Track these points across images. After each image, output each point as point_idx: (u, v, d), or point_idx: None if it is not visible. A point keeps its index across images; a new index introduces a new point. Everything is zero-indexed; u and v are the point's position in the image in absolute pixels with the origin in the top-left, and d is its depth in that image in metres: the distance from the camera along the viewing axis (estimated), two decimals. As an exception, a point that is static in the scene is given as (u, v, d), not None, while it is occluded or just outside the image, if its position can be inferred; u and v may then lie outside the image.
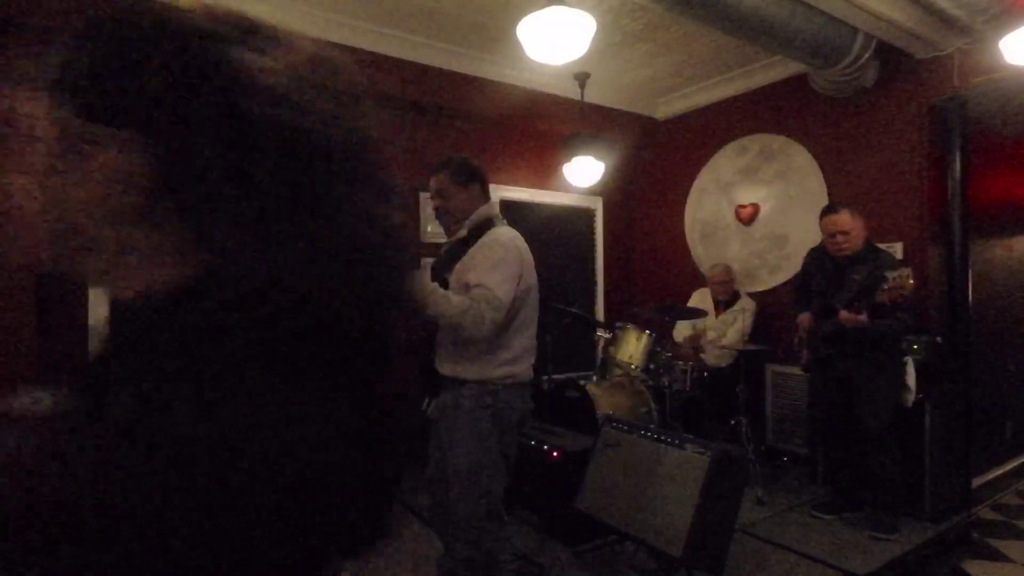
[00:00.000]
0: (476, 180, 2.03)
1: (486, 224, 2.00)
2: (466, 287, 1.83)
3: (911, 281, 2.60)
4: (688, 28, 3.64)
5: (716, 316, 4.11)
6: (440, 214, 2.05)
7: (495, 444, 1.91)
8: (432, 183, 2.04)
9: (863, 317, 2.77)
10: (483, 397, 1.90)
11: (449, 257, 2.00)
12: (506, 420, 1.93)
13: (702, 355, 4.00)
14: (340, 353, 0.43)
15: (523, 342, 2.00)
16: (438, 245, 4.10)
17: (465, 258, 1.92)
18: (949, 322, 3.55)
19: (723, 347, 3.92)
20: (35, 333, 2.88)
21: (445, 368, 1.98)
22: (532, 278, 1.99)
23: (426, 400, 2.05)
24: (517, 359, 1.98)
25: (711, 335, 4.07)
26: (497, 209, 2.10)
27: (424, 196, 4.17)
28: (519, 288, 1.91)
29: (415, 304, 1.75)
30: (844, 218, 2.98)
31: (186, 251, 0.41)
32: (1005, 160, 4.16)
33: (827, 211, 3.08)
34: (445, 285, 1.95)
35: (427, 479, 2.17)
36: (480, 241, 1.93)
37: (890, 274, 2.63)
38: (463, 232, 2.00)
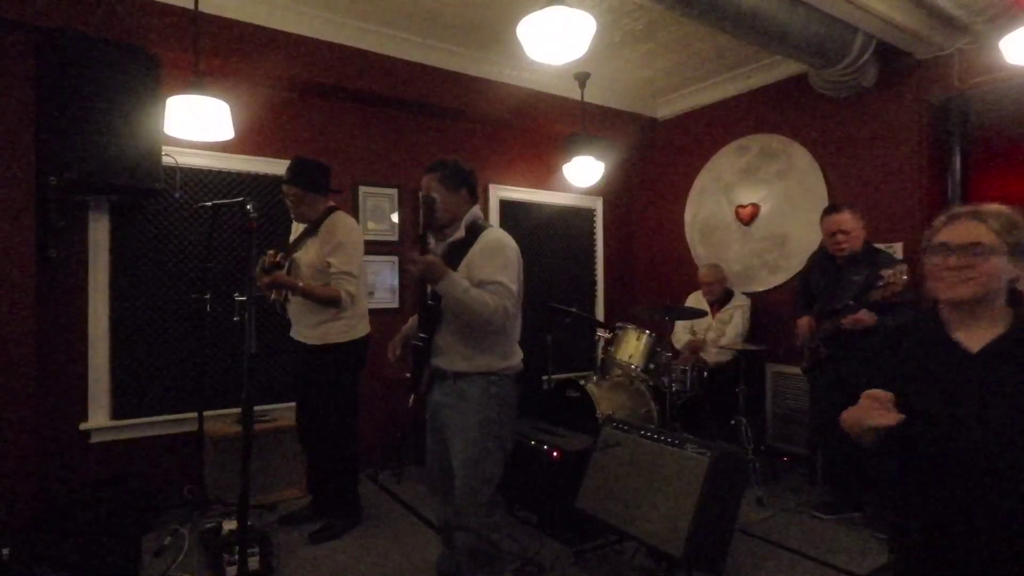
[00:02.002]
0: (466, 185, 2.11)
1: (478, 225, 2.10)
2: (479, 284, 1.94)
3: (904, 277, 2.59)
4: (688, 28, 3.64)
5: (712, 316, 4.12)
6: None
7: (498, 431, 2.02)
8: (423, 183, 2.09)
9: (862, 315, 2.76)
10: (489, 387, 2.02)
11: (451, 258, 2.04)
12: (508, 407, 2.06)
13: (701, 354, 4.00)
14: None
15: (517, 334, 2.14)
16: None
17: (470, 257, 2.01)
18: (949, 322, 3.55)
19: (722, 347, 3.92)
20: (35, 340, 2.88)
21: (450, 364, 2.06)
22: (522, 275, 2.12)
23: (411, 397, 2.13)
24: (515, 351, 2.13)
25: (710, 335, 4.07)
26: (480, 213, 2.20)
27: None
28: (518, 285, 2.05)
29: (456, 304, 1.90)
30: (845, 217, 2.98)
31: None
32: (1005, 160, 4.15)
33: (829, 211, 3.09)
34: None
35: (427, 472, 2.20)
36: (481, 242, 2.02)
37: (886, 272, 2.63)
38: (461, 233, 2.07)
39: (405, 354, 2.24)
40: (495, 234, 2.06)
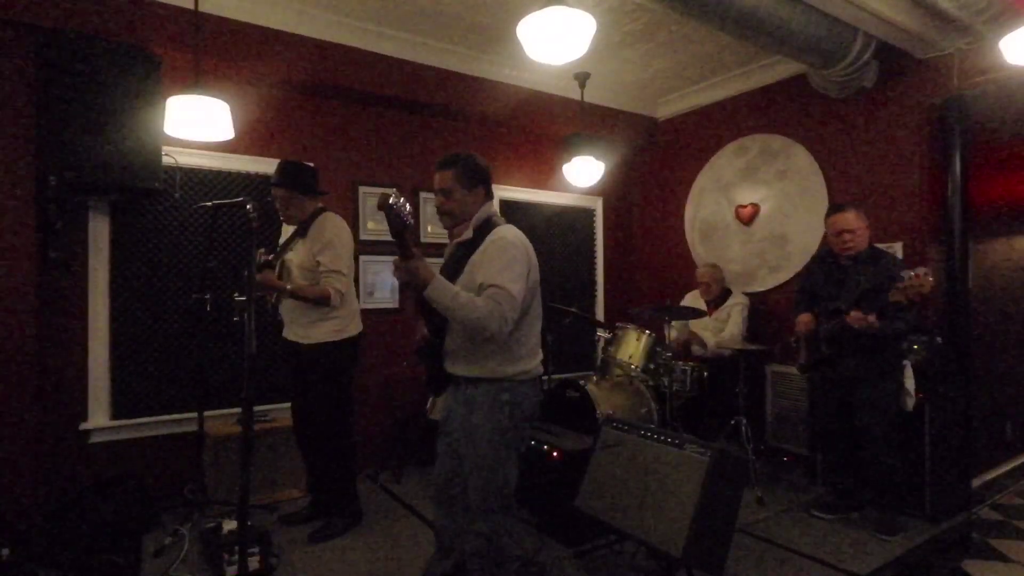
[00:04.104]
0: (482, 182, 2.03)
1: (488, 224, 2.01)
2: (479, 288, 1.85)
3: (931, 279, 2.55)
4: (688, 28, 3.64)
5: (710, 315, 4.12)
6: (442, 214, 2.05)
7: (511, 439, 1.95)
8: (437, 180, 2.02)
9: (872, 318, 2.75)
10: (500, 394, 1.93)
11: (457, 260, 2.00)
12: (521, 414, 1.97)
13: (693, 348, 3.99)
14: None
15: (534, 337, 2.03)
16: (440, 245, 4.12)
17: (474, 258, 1.93)
18: (949, 322, 3.55)
19: (722, 347, 3.92)
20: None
21: (459, 368, 2.00)
22: (537, 274, 2.01)
23: (430, 400, 2.07)
24: (530, 354, 2.01)
25: (706, 335, 4.07)
26: (496, 209, 2.10)
27: (425, 196, 4.18)
28: (528, 285, 1.94)
29: (445, 312, 1.79)
30: (850, 216, 2.97)
31: None
32: (1005, 160, 4.15)
33: (833, 210, 3.08)
34: None
35: (434, 478, 2.18)
36: (487, 241, 1.93)
37: (906, 273, 2.60)
38: (469, 234, 2.00)
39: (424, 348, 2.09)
40: (501, 232, 1.94)
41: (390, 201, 1.63)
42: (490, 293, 1.81)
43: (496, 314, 1.78)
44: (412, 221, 1.71)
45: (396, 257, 1.76)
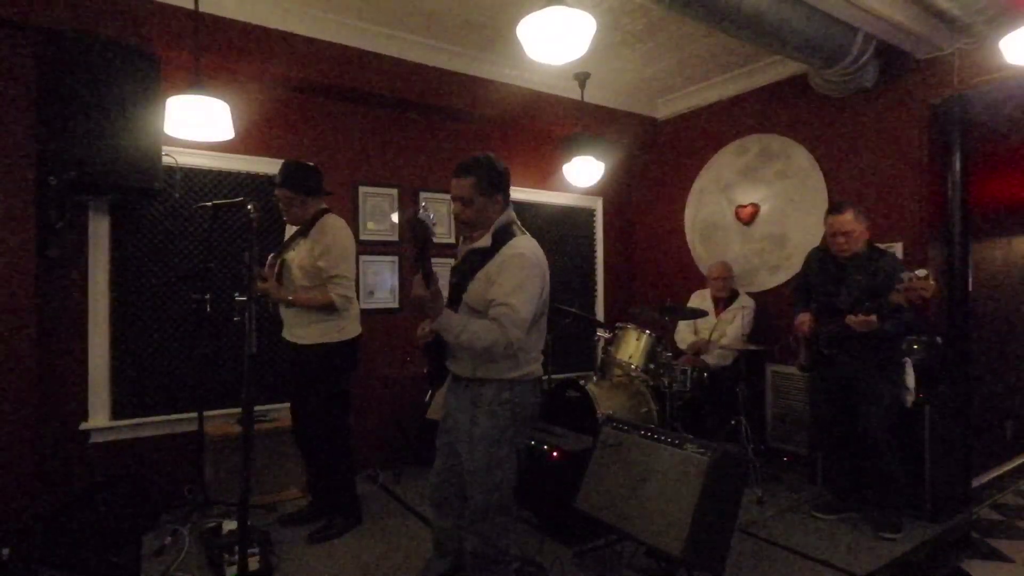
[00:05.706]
0: (501, 189, 1.99)
1: (506, 232, 1.99)
2: (490, 302, 1.87)
3: (932, 282, 2.51)
4: (688, 28, 3.64)
5: (716, 315, 4.11)
6: (460, 222, 2.03)
7: (511, 438, 1.97)
8: (454, 187, 1.98)
9: (873, 319, 2.74)
10: (501, 393, 1.96)
11: (472, 265, 1.98)
12: (522, 414, 2.00)
13: (703, 356, 4.00)
14: None
15: (539, 343, 2.06)
16: (439, 245, 4.12)
17: (489, 268, 1.91)
18: (949, 322, 3.55)
19: (723, 347, 3.92)
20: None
21: (463, 369, 2.02)
22: (548, 287, 2.02)
23: (429, 392, 2.09)
24: (534, 359, 2.04)
25: (713, 335, 4.07)
26: (514, 214, 2.07)
27: (424, 196, 4.18)
28: (541, 300, 1.96)
29: (449, 340, 1.85)
30: (847, 218, 2.95)
31: None
32: (1005, 160, 4.16)
33: (832, 210, 3.06)
34: (462, 290, 1.98)
35: (433, 476, 2.18)
36: (503, 253, 1.91)
37: (905, 275, 2.57)
38: (486, 241, 1.97)
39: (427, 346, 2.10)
40: (518, 248, 1.92)
41: (420, 215, 1.63)
42: (499, 312, 1.83)
43: (501, 340, 1.82)
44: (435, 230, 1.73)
45: (417, 276, 1.80)
